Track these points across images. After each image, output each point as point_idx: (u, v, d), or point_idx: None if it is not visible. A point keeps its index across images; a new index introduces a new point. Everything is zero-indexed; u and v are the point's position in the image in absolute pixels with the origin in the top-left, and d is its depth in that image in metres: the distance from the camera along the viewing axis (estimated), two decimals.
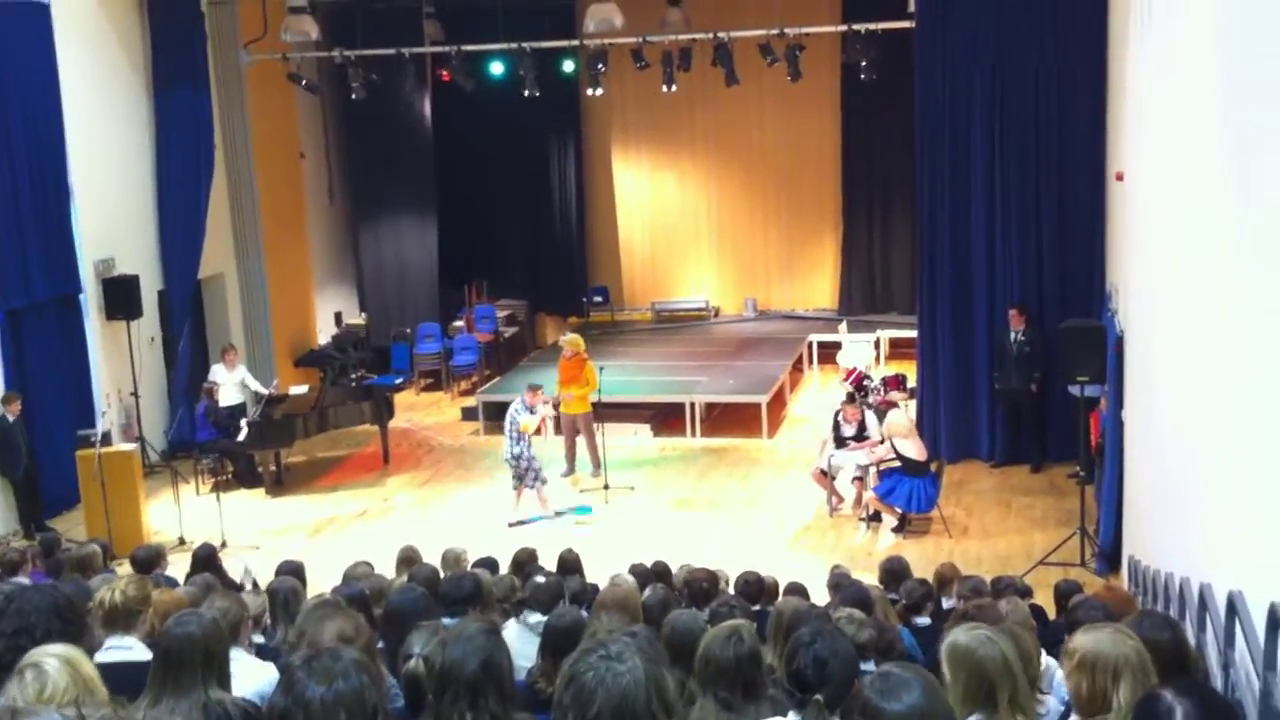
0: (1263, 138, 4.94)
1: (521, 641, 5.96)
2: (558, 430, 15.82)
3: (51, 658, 3.50)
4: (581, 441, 15.43)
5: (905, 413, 14.08)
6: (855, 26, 16.65)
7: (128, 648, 4.89)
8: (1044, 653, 5.18)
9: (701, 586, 7.79)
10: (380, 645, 5.47)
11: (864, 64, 16.71)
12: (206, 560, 9.42)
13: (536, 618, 6.20)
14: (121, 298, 15.36)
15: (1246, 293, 5.20)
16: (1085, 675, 3.65)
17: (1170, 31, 7.99)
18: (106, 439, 13.92)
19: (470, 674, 3.48)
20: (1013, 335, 14.37)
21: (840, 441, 13.70)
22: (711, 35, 17.28)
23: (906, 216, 19.63)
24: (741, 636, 3.93)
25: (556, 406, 15.12)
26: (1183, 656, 4.26)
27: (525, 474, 13.72)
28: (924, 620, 7.50)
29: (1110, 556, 11.33)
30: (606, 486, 14.41)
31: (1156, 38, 8.80)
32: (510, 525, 13.57)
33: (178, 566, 10.03)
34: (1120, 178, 11.63)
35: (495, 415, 17.99)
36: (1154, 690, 3.18)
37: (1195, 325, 6.63)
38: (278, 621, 6.60)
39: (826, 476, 13.59)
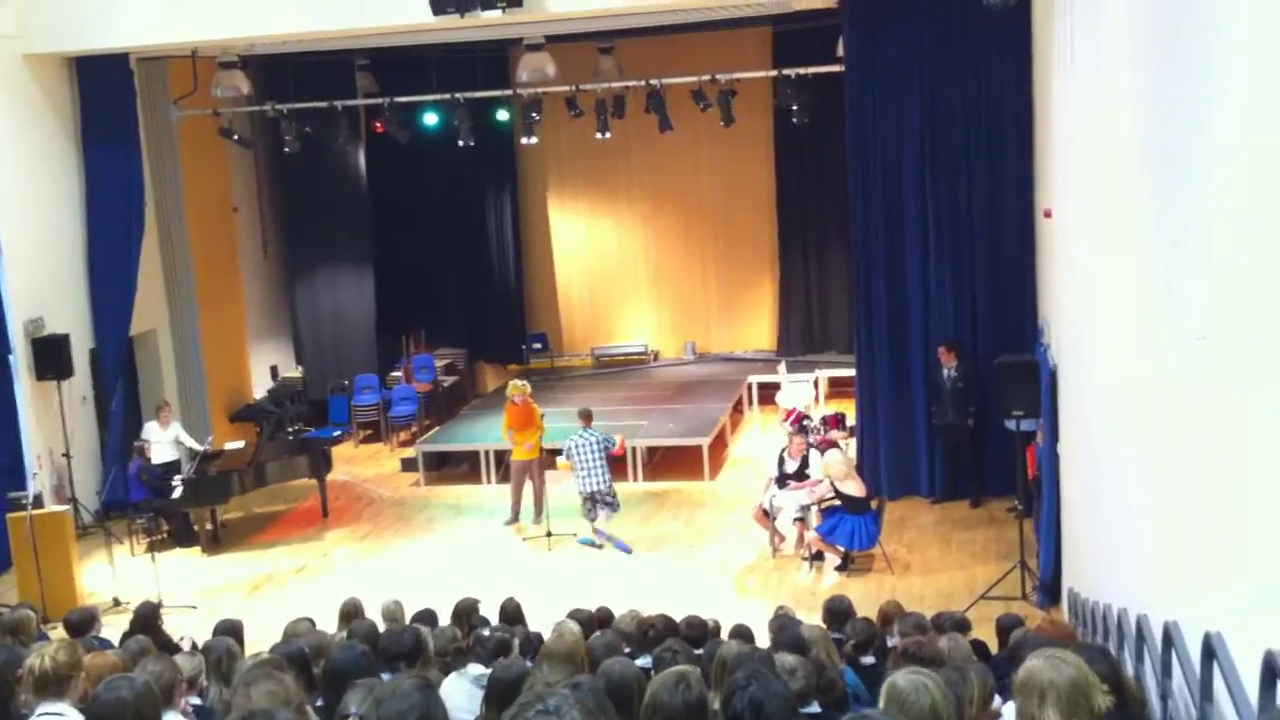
0: (1176, 176, 5.04)
1: (461, 694, 5.90)
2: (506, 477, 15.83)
3: None
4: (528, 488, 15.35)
5: (844, 452, 14.12)
6: (786, 71, 16.82)
7: (59, 714, 4.81)
8: (996, 696, 5.15)
9: (650, 632, 7.75)
10: (320, 703, 5.39)
11: (796, 107, 16.89)
12: (147, 619, 9.27)
13: (478, 670, 6.14)
14: (52, 357, 15.13)
15: (1172, 323, 5.28)
16: (1018, 696, 3.69)
17: (1090, 70, 8.15)
18: (38, 501, 13.66)
19: None
20: (945, 372, 14.50)
21: (782, 480, 13.70)
22: (644, 82, 17.40)
23: (842, 256, 19.80)
24: (689, 683, 3.90)
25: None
26: (1118, 689, 4.29)
27: (610, 502, 14.22)
28: (869, 659, 7.49)
29: (1051, 589, 11.41)
30: (549, 534, 14.33)
31: (1078, 76, 8.97)
32: (583, 543, 14.36)
33: (114, 628, 9.85)
34: (1049, 214, 11.80)
35: (435, 465, 17.92)
36: None
37: (1125, 358, 6.72)
38: (213, 683, 6.49)
39: (768, 517, 13.61)
